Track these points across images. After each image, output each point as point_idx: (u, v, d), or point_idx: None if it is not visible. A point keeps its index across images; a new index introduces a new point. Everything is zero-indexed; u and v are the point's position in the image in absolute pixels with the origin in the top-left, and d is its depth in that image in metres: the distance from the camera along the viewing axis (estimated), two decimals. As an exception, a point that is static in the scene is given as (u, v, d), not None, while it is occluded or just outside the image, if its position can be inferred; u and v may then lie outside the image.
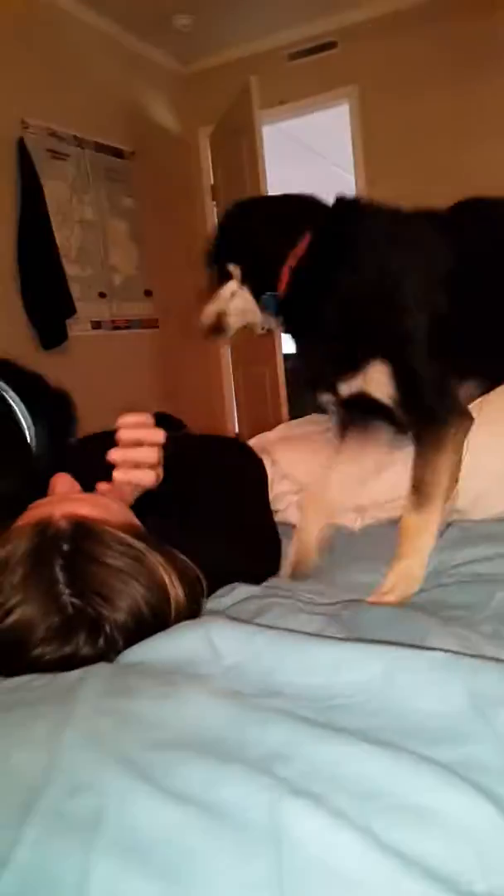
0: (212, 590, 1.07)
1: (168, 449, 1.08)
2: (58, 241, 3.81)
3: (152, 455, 1.02)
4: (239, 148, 4.24)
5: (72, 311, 3.87)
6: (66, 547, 0.83)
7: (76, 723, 0.64)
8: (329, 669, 0.70)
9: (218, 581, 1.08)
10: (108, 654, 0.80)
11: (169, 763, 0.58)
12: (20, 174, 3.66)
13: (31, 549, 0.83)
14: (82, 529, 0.86)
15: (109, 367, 4.25)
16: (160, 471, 1.05)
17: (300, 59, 4.60)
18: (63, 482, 1.02)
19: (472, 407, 1.35)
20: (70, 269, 3.91)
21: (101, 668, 0.76)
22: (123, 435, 1.01)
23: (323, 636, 0.80)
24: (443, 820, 0.49)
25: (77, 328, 3.97)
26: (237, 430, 5.08)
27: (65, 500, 0.96)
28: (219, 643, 0.77)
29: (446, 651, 0.70)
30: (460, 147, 4.21)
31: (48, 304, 3.77)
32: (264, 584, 1.14)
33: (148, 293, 4.58)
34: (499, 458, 1.29)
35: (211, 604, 1.02)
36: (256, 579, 1.15)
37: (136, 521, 1.00)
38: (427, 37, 4.20)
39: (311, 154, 6.22)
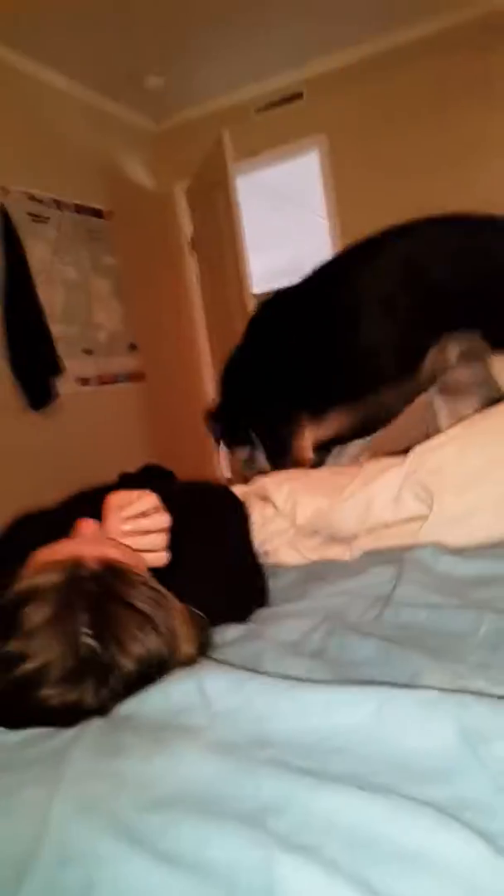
0: None
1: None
2: (42, 301, 3.86)
3: (160, 541, 1.04)
4: (215, 201, 4.32)
5: (59, 369, 3.90)
6: (94, 587, 0.83)
7: (66, 788, 0.63)
8: (320, 713, 0.69)
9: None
10: (108, 705, 0.79)
11: (160, 824, 0.57)
12: (2, 238, 3.72)
13: (59, 586, 0.83)
14: (113, 571, 0.87)
15: (99, 422, 4.27)
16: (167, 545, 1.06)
17: (269, 110, 4.71)
18: (89, 526, 1.02)
19: (466, 423, 1.39)
20: (55, 329, 3.95)
21: (91, 727, 0.75)
22: (126, 525, 1.02)
23: (313, 680, 0.79)
24: (436, 863, 0.48)
25: (65, 386, 3.99)
26: (227, 476, 5.08)
27: (94, 541, 0.97)
28: (210, 691, 0.77)
29: (436, 688, 0.70)
30: (432, 188, 4.30)
31: (35, 365, 3.80)
32: (250, 620, 1.14)
33: (133, 347, 4.62)
34: (490, 484, 1.30)
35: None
36: (241, 619, 1.15)
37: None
38: (391, 83, 4.32)
39: (288, 202, 6.34)
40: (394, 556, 1.24)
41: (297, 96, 4.62)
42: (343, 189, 4.60)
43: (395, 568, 1.19)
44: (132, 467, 1.70)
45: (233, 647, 0.97)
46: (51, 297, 3.98)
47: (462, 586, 1.10)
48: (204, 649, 0.93)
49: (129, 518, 1.02)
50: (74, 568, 0.86)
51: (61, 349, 3.95)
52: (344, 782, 0.58)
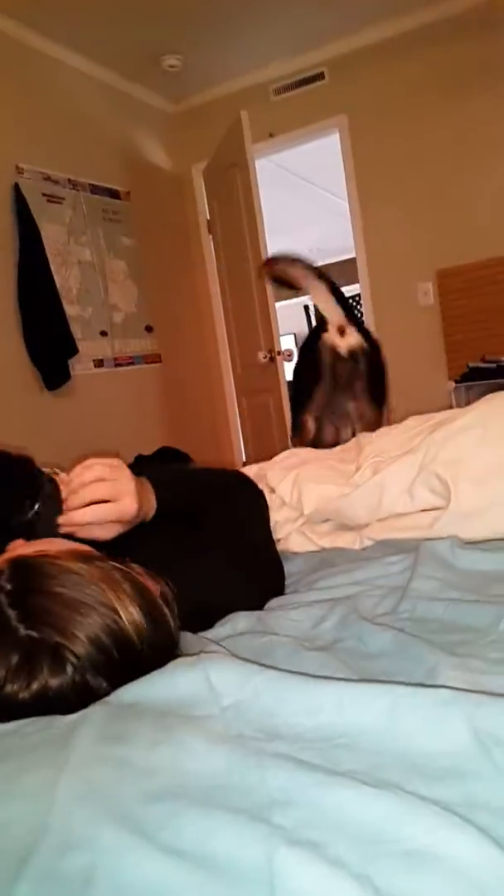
0: (213, 619, 1.06)
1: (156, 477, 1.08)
2: (57, 282, 3.86)
3: (98, 491, 1.02)
4: (233, 182, 4.28)
5: (74, 350, 3.90)
6: (8, 586, 0.82)
7: (70, 773, 0.62)
8: (331, 710, 0.68)
9: (221, 610, 1.07)
10: (84, 683, 0.79)
11: (163, 815, 0.56)
12: (17, 219, 3.71)
13: None
14: (20, 566, 0.86)
15: (114, 404, 4.27)
16: (129, 501, 1.04)
17: (289, 91, 4.66)
18: (16, 544, 1.01)
19: (482, 409, 1.36)
20: (70, 310, 3.94)
21: (94, 714, 0.74)
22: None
23: (325, 673, 0.77)
24: (444, 864, 0.47)
25: (80, 367, 3.99)
26: (244, 459, 5.07)
27: (7, 552, 0.96)
28: (217, 682, 0.75)
29: (451, 687, 0.68)
30: (454, 170, 4.26)
31: (50, 346, 3.80)
32: (265, 609, 1.12)
33: (149, 329, 4.60)
34: None
35: (211, 633, 1.00)
36: (258, 606, 1.13)
37: (83, 547, 0.98)
38: (414, 63, 4.27)
39: (307, 183, 6.29)
40: (408, 547, 1.22)
41: (319, 77, 4.57)
42: (364, 170, 4.56)
43: (409, 559, 1.17)
44: (148, 449, 1.70)
45: (243, 638, 0.96)
46: (66, 279, 3.97)
47: (481, 581, 1.07)
48: (163, 620, 0.90)
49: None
50: None
51: (77, 330, 3.94)
52: (353, 779, 0.57)
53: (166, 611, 0.90)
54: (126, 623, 0.83)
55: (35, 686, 0.77)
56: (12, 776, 0.65)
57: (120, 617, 0.83)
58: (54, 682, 0.77)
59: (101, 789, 0.60)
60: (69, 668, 0.78)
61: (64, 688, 0.78)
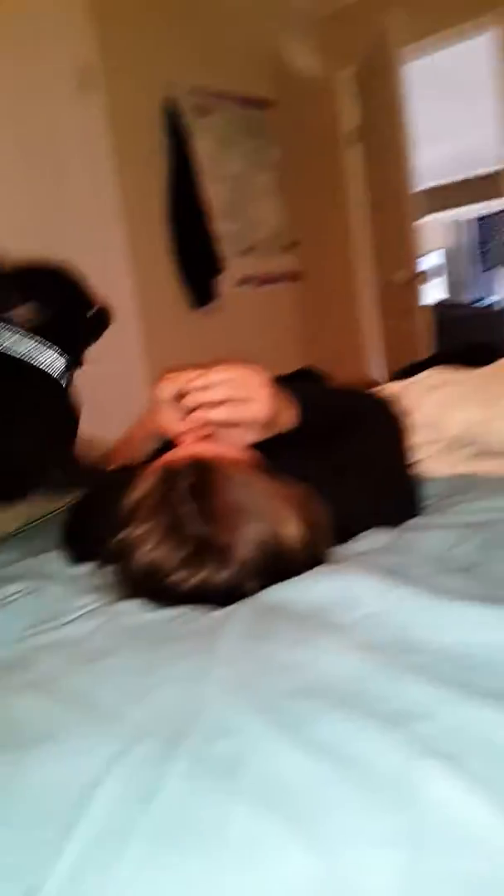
0: (347, 536, 1.07)
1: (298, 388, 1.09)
2: (205, 198, 3.84)
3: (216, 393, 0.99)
4: (381, 88, 4.05)
5: (221, 268, 3.91)
6: (188, 483, 0.88)
7: (220, 665, 0.68)
8: (467, 629, 0.69)
9: (354, 528, 1.09)
10: (242, 583, 0.85)
11: (305, 712, 0.59)
12: (168, 133, 3.70)
13: (156, 488, 0.90)
14: (202, 466, 0.91)
15: (256, 322, 4.28)
16: (258, 405, 1.00)
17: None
18: (189, 438, 1.06)
19: None
20: (218, 227, 3.93)
21: (242, 611, 0.79)
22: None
23: (460, 593, 0.78)
24: None
25: (225, 284, 4.01)
26: (384, 381, 4.97)
27: (186, 445, 1.02)
28: (356, 592, 0.78)
29: None
30: None
31: (198, 263, 3.84)
32: (401, 528, 1.12)
33: (293, 245, 4.54)
34: None
35: (349, 548, 1.02)
36: (393, 526, 1.14)
37: (257, 458, 1.02)
38: None
39: (461, 88, 5.90)
40: None
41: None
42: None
43: None
44: (289, 367, 1.71)
45: (381, 555, 0.97)
46: (213, 194, 3.95)
47: None
48: (322, 540, 0.94)
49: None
50: (166, 470, 0.92)
51: (223, 248, 3.94)
52: (487, 696, 0.58)
53: (324, 531, 0.95)
54: (288, 535, 0.88)
55: (198, 579, 0.84)
56: (170, 661, 0.72)
57: (284, 529, 0.88)
58: (216, 578, 0.84)
59: (249, 682, 0.65)
60: (231, 569, 0.84)
61: (222, 585, 0.84)
